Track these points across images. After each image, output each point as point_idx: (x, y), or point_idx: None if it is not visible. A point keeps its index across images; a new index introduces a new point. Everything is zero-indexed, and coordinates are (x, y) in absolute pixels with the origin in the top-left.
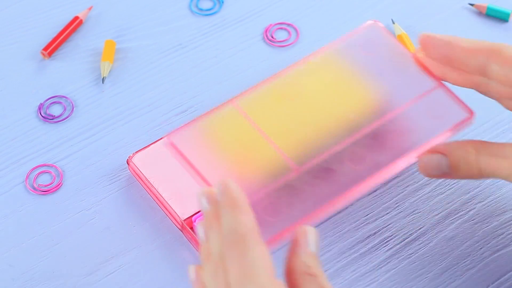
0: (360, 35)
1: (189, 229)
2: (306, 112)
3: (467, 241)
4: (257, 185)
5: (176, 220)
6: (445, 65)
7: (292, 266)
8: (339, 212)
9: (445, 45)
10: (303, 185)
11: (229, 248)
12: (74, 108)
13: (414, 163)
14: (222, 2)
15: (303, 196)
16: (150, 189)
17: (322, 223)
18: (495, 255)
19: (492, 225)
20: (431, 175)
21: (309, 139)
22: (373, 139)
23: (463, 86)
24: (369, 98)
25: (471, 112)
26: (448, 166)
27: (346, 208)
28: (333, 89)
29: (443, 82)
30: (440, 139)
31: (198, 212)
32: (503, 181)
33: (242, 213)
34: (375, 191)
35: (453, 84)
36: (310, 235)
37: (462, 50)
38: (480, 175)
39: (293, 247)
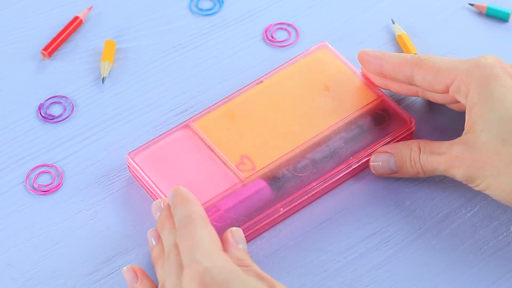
0: (310, 55)
1: None
2: (257, 127)
3: (467, 241)
4: (207, 195)
5: None
6: (382, 77)
7: None
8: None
9: (376, 60)
10: (248, 194)
11: (181, 230)
12: (74, 108)
13: (363, 168)
14: (222, 2)
15: (249, 203)
16: (149, 189)
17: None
18: (495, 255)
19: (492, 225)
20: (381, 174)
21: (256, 151)
22: (318, 148)
23: (405, 95)
24: (317, 112)
25: (411, 120)
26: (396, 165)
27: (345, 208)
28: (283, 105)
29: (385, 94)
30: (383, 144)
31: None
32: None
33: (193, 205)
34: (374, 190)
35: (396, 93)
36: (237, 235)
37: (389, 65)
38: (423, 172)
39: (224, 247)
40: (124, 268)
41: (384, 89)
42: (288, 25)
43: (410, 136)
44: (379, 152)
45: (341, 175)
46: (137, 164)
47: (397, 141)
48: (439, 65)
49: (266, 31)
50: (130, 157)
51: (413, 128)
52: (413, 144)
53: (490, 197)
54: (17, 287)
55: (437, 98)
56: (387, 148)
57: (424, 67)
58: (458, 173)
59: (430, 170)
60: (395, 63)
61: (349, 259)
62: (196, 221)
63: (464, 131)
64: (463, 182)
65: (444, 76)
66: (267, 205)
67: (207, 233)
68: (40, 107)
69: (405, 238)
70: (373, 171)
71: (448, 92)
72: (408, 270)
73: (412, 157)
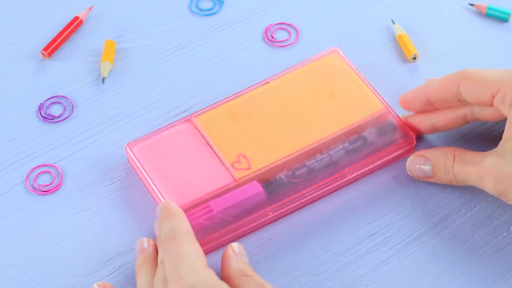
0: (320, 60)
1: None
2: (258, 128)
3: (467, 241)
4: (199, 191)
5: None
6: (429, 111)
7: (227, 273)
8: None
9: (420, 91)
10: (244, 197)
11: (166, 245)
12: (74, 108)
13: (357, 179)
14: (222, 2)
15: (241, 205)
16: (145, 179)
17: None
18: (495, 255)
19: (492, 225)
20: (416, 176)
21: (254, 152)
22: (315, 156)
23: (455, 127)
24: (319, 118)
25: (413, 135)
26: (430, 170)
27: (345, 208)
28: (286, 109)
29: (390, 106)
30: (381, 156)
31: (190, 206)
32: None
33: (179, 219)
34: (374, 191)
35: (446, 130)
36: (237, 250)
37: (434, 88)
38: (456, 181)
39: (225, 260)
40: (96, 284)
41: (430, 133)
42: (288, 25)
43: (411, 151)
44: (417, 155)
45: (334, 185)
46: (134, 155)
47: (397, 155)
48: (484, 76)
49: (266, 31)
50: (128, 147)
51: (414, 143)
52: (448, 152)
53: (490, 197)
54: (17, 287)
55: (486, 114)
56: (424, 152)
57: (470, 79)
58: (489, 187)
59: (462, 180)
60: (440, 84)
61: (349, 259)
62: (181, 235)
63: (500, 142)
64: (496, 196)
65: (490, 86)
66: (256, 208)
67: (192, 249)
68: (40, 107)
69: (405, 238)
70: (409, 173)
71: (493, 104)
72: (408, 270)
73: (446, 165)
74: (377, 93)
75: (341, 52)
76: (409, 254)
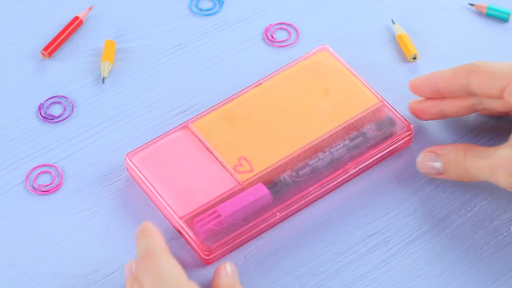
0: (310, 58)
1: (187, 229)
2: (256, 130)
3: (467, 241)
4: (205, 197)
5: (174, 219)
6: (438, 99)
7: (216, 285)
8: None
9: (430, 80)
10: (250, 200)
11: (142, 264)
12: (74, 108)
13: (360, 172)
14: (222, 2)
15: (248, 208)
16: (148, 189)
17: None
18: (495, 255)
19: (492, 225)
20: (427, 173)
21: (254, 154)
22: (316, 153)
23: (463, 115)
24: (316, 116)
25: (409, 126)
26: (442, 166)
27: (345, 208)
28: (282, 108)
29: (385, 100)
30: (382, 149)
31: (197, 212)
32: None
33: (153, 237)
34: (374, 191)
35: (454, 116)
36: (230, 269)
37: (444, 79)
38: (468, 176)
39: (218, 272)
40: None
41: (439, 118)
42: (288, 25)
43: (409, 142)
44: (427, 152)
45: (338, 180)
46: (134, 165)
47: (396, 146)
48: (494, 69)
49: (266, 31)
50: (128, 158)
51: (412, 134)
52: (459, 147)
53: (490, 197)
54: (17, 287)
55: (496, 106)
56: (435, 148)
57: (480, 72)
58: (502, 179)
59: (474, 174)
60: (450, 75)
61: (349, 259)
62: (156, 252)
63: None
64: (508, 190)
65: (500, 79)
66: (264, 210)
67: (170, 264)
68: (40, 107)
69: (405, 238)
70: (420, 169)
71: (503, 97)
72: (408, 270)
73: (457, 160)
74: (371, 87)
75: (331, 49)
76: (409, 254)
